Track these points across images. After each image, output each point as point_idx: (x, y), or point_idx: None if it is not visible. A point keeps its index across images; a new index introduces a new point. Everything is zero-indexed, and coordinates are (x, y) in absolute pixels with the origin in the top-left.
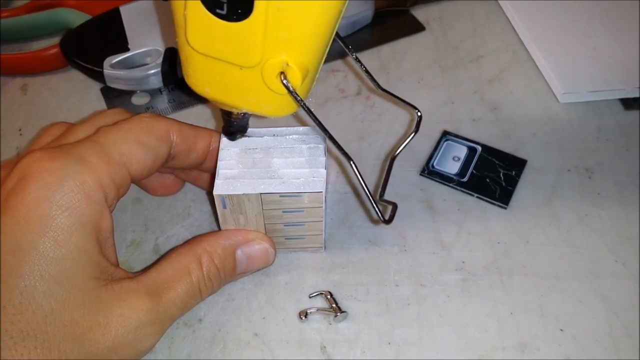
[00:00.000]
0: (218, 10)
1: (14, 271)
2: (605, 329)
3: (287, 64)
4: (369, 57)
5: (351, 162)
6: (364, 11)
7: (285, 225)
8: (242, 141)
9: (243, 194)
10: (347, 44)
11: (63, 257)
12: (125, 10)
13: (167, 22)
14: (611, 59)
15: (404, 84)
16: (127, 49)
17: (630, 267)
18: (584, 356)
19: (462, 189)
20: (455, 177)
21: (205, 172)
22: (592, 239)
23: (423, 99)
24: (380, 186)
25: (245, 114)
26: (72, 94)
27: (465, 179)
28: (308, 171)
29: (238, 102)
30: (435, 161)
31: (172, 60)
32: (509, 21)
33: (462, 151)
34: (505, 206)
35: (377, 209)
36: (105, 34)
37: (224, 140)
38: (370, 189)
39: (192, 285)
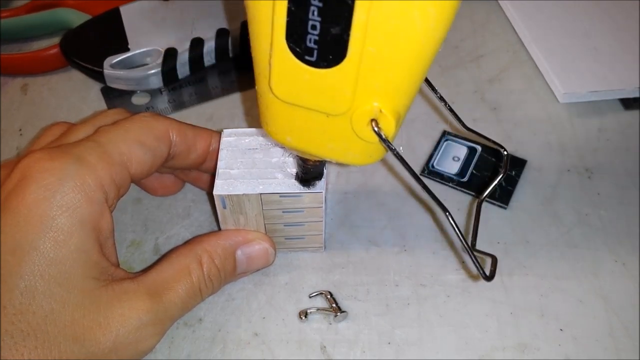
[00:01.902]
0: (307, 57)
1: (14, 271)
2: (605, 328)
3: (380, 111)
4: None
5: (447, 214)
6: None
7: (285, 226)
8: (242, 141)
9: (243, 194)
10: (431, 83)
11: (63, 258)
12: (125, 10)
13: (172, 19)
14: (611, 59)
15: None
16: (127, 49)
17: (630, 267)
18: (584, 356)
19: (462, 189)
20: (455, 177)
21: (205, 173)
22: (592, 238)
23: (423, 99)
24: (471, 234)
25: (322, 160)
26: (72, 94)
27: (465, 179)
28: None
29: (322, 151)
30: (435, 161)
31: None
32: (509, 21)
33: (462, 151)
34: (505, 206)
35: (477, 264)
36: (105, 34)
37: (224, 140)
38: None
39: (192, 286)
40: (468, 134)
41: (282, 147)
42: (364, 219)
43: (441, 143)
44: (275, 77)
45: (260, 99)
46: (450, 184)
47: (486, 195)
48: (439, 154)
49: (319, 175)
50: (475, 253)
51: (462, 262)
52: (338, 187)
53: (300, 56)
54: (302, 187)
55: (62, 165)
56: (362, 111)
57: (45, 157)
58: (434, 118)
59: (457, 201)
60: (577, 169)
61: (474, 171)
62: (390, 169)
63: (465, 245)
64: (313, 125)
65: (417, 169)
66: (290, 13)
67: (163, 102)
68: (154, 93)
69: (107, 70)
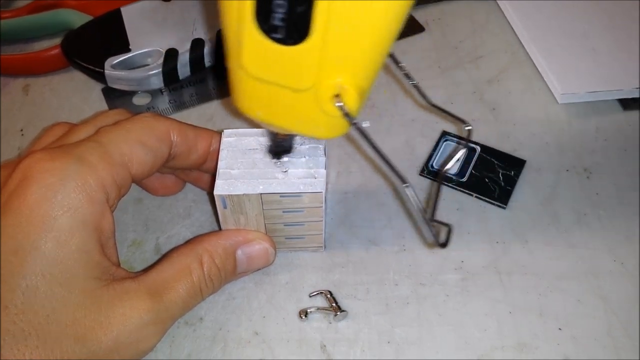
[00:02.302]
0: (274, 35)
1: (15, 271)
2: (604, 328)
3: (343, 87)
4: None
5: (405, 185)
6: None
7: (285, 225)
8: (242, 141)
9: (243, 194)
10: (396, 58)
11: (65, 258)
12: (126, 11)
13: (173, 20)
14: (610, 59)
15: (403, 84)
16: (128, 50)
17: (629, 266)
18: (582, 356)
19: (462, 189)
20: (454, 177)
21: (205, 173)
22: (591, 238)
23: (422, 99)
24: (431, 206)
25: (291, 135)
26: (74, 94)
27: (464, 179)
28: (308, 171)
29: (289, 124)
30: (435, 161)
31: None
32: (508, 22)
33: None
34: (504, 206)
35: (432, 232)
36: (106, 34)
37: (225, 140)
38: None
39: (193, 285)
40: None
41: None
42: (364, 219)
43: (440, 143)
44: (245, 54)
45: (232, 75)
46: (450, 184)
47: (447, 169)
48: (439, 154)
49: (288, 149)
50: (433, 223)
51: (462, 262)
52: (338, 187)
53: (267, 34)
54: (304, 187)
55: (63, 166)
56: (326, 86)
57: (46, 157)
58: (433, 118)
59: (457, 201)
60: (576, 169)
61: (473, 171)
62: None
63: (423, 215)
64: (281, 100)
65: (417, 169)
66: None
67: (164, 102)
68: (154, 93)
69: (108, 71)
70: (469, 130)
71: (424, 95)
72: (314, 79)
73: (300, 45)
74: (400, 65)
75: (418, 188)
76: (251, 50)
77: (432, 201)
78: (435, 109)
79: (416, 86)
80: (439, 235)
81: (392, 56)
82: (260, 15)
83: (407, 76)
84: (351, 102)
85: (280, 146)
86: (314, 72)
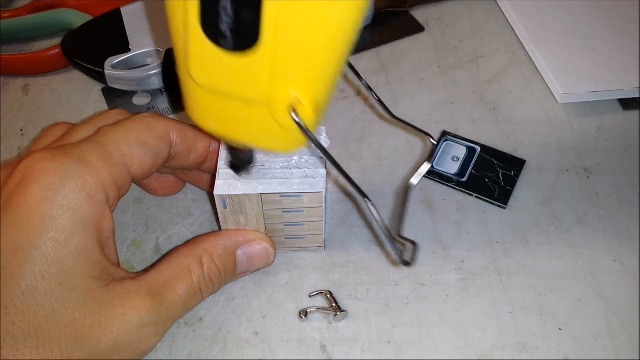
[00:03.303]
0: (222, 42)
1: (15, 271)
2: (604, 328)
3: (298, 100)
4: (368, 58)
5: (366, 200)
6: None
7: (285, 225)
8: None
9: (243, 194)
10: (357, 71)
11: (64, 258)
12: (126, 11)
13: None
14: (610, 59)
15: (403, 84)
16: (128, 50)
17: (628, 266)
18: (582, 355)
19: (462, 189)
20: (454, 177)
21: (205, 173)
22: (591, 238)
23: (422, 99)
24: (397, 221)
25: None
26: (74, 94)
27: (464, 179)
28: (308, 171)
29: (244, 137)
30: (435, 161)
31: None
32: (508, 22)
33: (461, 151)
34: (504, 206)
35: (397, 250)
36: (106, 34)
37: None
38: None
39: (193, 285)
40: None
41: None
42: (363, 219)
43: (440, 143)
44: (192, 62)
45: (182, 84)
46: (450, 184)
47: (415, 184)
48: (438, 154)
49: (248, 162)
50: (399, 240)
51: (462, 262)
52: (338, 187)
53: (215, 40)
54: (304, 187)
55: (63, 166)
56: (281, 99)
57: (46, 157)
58: (433, 118)
59: (457, 201)
60: (575, 169)
61: (473, 171)
62: (390, 168)
63: (386, 233)
64: (234, 112)
65: (417, 169)
66: None
67: (164, 102)
68: (155, 93)
69: (108, 71)
70: (433, 144)
71: (386, 109)
72: (267, 90)
73: (249, 53)
74: (361, 78)
75: (418, 188)
76: (199, 58)
77: (398, 216)
78: (400, 122)
79: (379, 100)
80: (403, 253)
81: (351, 67)
82: (205, 20)
83: (369, 89)
84: (306, 115)
85: (238, 159)
86: (265, 83)
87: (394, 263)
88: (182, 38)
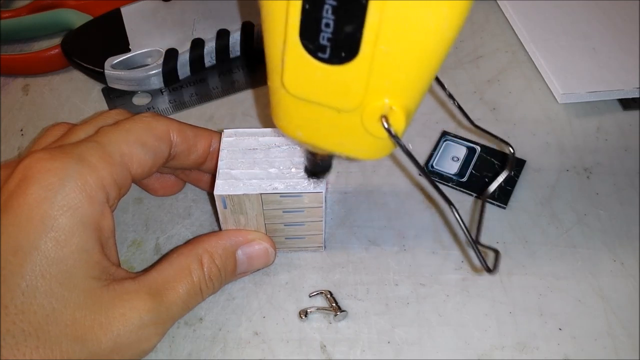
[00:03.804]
0: (320, 54)
1: (15, 271)
2: (604, 328)
3: (391, 108)
4: None
5: (452, 208)
6: None
7: (285, 225)
8: (242, 141)
9: (243, 194)
10: (441, 81)
11: (64, 257)
12: (126, 11)
13: (173, 20)
14: (610, 59)
15: None
16: (128, 50)
17: (629, 266)
18: (582, 355)
19: (462, 189)
20: (454, 177)
21: (205, 173)
22: (591, 238)
23: (422, 99)
24: (476, 229)
25: (331, 155)
26: (73, 94)
27: (464, 179)
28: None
29: (332, 145)
30: (435, 161)
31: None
32: (508, 22)
33: (461, 151)
34: (504, 206)
35: (481, 258)
36: (106, 34)
37: (225, 140)
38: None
39: (193, 286)
40: (475, 131)
41: (288, 146)
42: (363, 219)
43: (440, 143)
44: (287, 73)
45: (272, 94)
46: (450, 184)
47: (490, 193)
48: (438, 154)
49: (327, 169)
50: (479, 247)
51: (462, 262)
52: (338, 187)
53: (313, 53)
54: (304, 187)
55: (63, 166)
56: (373, 107)
57: (46, 157)
58: (433, 118)
59: (457, 201)
60: (576, 169)
61: (473, 171)
62: (390, 169)
63: (470, 239)
64: (324, 120)
65: (416, 169)
66: (304, 11)
67: (164, 102)
68: (154, 93)
69: (108, 71)
70: (512, 153)
71: (467, 117)
72: (360, 99)
73: (347, 64)
74: (444, 87)
75: (418, 188)
76: (295, 69)
77: (477, 224)
78: (479, 130)
79: (460, 107)
80: (486, 259)
81: (437, 79)
82: (306, 34)
83: (451, 97)
84: (398, 123)
85: (318, 167)
86: (360, 93)
87: (475, 270)
88: (278, 50)
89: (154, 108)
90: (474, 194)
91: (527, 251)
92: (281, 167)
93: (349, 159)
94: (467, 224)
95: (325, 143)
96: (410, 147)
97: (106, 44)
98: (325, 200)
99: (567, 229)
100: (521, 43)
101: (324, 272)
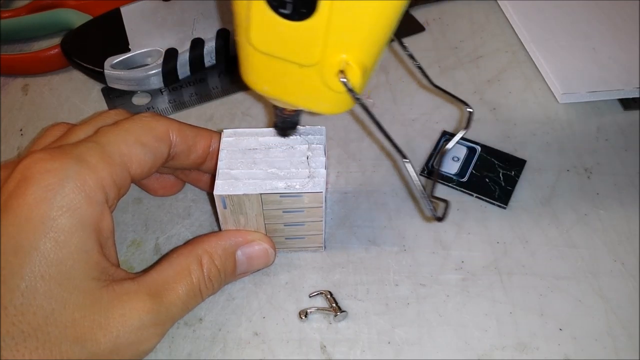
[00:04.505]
0: (282, 10)
1: (15, 272)
2: (604, 328)
3: (347, 63)
4: None
5: (405, 161)
6: None
7: (285, 225)
8: (242, 141)
9: (243, 194)
10: (402, 40)
11: (64, 258)
12: (125, 11)
13: (173, 20)
14: (610, 59)
15: (403, 84)
16: (127, 50)
17: (629, 266)
18: (583, 355)
19: (462, 189)
20: (454, 177)
21: (205, 173)
22: (592, 238)
23: (422, 99)
24: (432, 183)
25: (297, 110)
26: (73, 94)
27: (464, 179)
28: (308, 171)
29: (295, 99)
30: (435, 161)
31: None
32: (509, 22)
33: (461, 151)
34: (505, 206)
35: (430, 206)
36: (106, 34)
37: (224, 140)
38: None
39: (192, 286)
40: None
41: (288, 146)
42: (363, 219)
43: (440, 143)
44: (253, 29)
45: (240, 50)
46: (450, 184)
47: (451, 147)
48: (439, 154)
49: (294, 125)
50: (432, 199)
51: (462, 262)
52: (338, 187)
53: (276, 9)
54: (304, 187)
55: (62, 166)
56: (331, 63)
57: (45, 157)
58: (433, 118)
59: (457, 201)
60: (576, 169)
61: (474, 171)
62: (390, 168)
63: (421, 189)
64: (288, 75)
65: (417, 169)
66: None
67: (163, 102)
68: (154, 93)
69: (108, 71)
70: (470, 112)
71: (426, 76)
72: (320, 55)
73: (307, 21)
74: (404, 46)
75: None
76: (259, 25)
77: (434, 179)
78: (438, 90)
79: (419, 67)
80: (436, 210)
81: (397, 38)
82: None
83: (412, 57)
84: (355, 78)
85: (285, 122)
86: (319, 48)
87: (426, 219)
88: (244, 7)
89: (153, 108)
90: (474, 194)
91: (527, 251)
92: (281, 167)
93: (314, 114)
94: (463, 222)
95: (289, 97)
96: (371, 102)
97: (106, 44)
98: (325, 200)
99: (567, 229)
100: (521, 43)
101: (324, 273)
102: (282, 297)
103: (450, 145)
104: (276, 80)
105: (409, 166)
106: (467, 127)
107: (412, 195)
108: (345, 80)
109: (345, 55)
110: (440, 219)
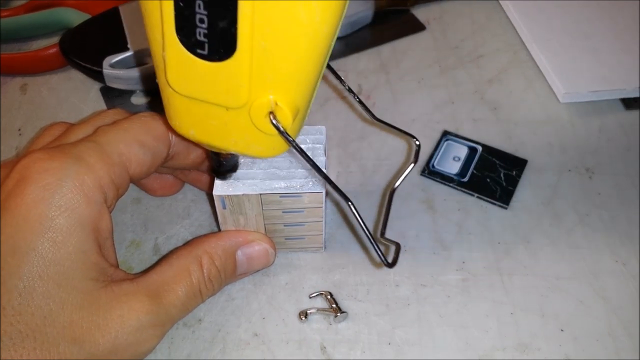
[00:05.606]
0: (199, 51)
1: (13, 272)
2: (605, 329)
3: (276, 104)
4: (369, 57)
5: (349, 203)
6: (364, 11)
7: (285, 226)
8: None
9: (243, 195)
10: (338, 74)
11: (62, 258)
12: (124, 10)
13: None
14: (612, 58)
15: (404, 83)
16: (126, 49)
17: (630, 267)
18: (584, 356)
19: (463, 189)
20: (455, 177)
21: (204, 173)
22: (593, 239)
23: (423, 99)
24: (381, 223)
25: (233, 154)
26: (72, 93)
27: (465, 179)
28: (308, 171)
29: (225, 144)
30: (436, 161)
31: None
32: (510, 21)
33: (462, 151)
34: (506, 206)
35: (379, 251)
36: (104, 33)
37: None
38: (366, 224)
39: (192, 287)
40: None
41: None
42: (364, 219)
43: (441, 143)
44: (170, 70)
45: (161, 92)
46: (451, 184)
47: (397, 186)
48: (440, 154)
49: (233, 168)
50: (381, 241)
51: (463, 262)
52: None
53: (191, 49)
54: (303, 187)
55: (61, 166)
56: (259, 104)
57: (44, 157)
58: (434, 118)
59: (457, 201)
60: (577, 169)
61: (475, 171)
62: (390, 168)
63: (367, 232)
64: (214, 118)
65: (418, 169)
66: (177, 7)
67: None
68: (153, 93)
69: (107, 70)
70: (418, 145)
71: (368, 111)
72: (246, 96)
73: (227, 61)
74: (343, 82)
75: (419, 188)
76: (177, 67)
77: (383, 217)
78: (382, 124)
79: (360, 102)
80: (387, 254)
81: (331, 70)
82: (182, 30)
83: (351, 91)
84: (285, 120)
85: (223, 166)
86: (244, 89)
87: (376, 265)
88: (159, 45)
89: (152, 108)
90: (475, 194)
91: (528, 251)
92: (281, 167)
93: (249, 157)
94: (465, 224)
95: (219, 142)
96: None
97: (104, 43)
98: (325, 201)
99: (568, 230)
100: (523, 42)
101: (324, 273)
102: (282, 297)
103: (397, 184)
104: (203, 123)
105: (352, 208)
106: (414, 161)
107: (412, 195)
108: (276, 122)
109: (273, 95)
110: (390, 265)
